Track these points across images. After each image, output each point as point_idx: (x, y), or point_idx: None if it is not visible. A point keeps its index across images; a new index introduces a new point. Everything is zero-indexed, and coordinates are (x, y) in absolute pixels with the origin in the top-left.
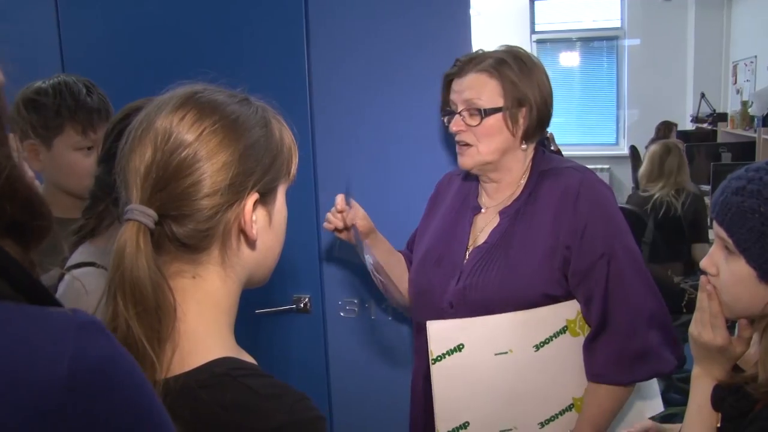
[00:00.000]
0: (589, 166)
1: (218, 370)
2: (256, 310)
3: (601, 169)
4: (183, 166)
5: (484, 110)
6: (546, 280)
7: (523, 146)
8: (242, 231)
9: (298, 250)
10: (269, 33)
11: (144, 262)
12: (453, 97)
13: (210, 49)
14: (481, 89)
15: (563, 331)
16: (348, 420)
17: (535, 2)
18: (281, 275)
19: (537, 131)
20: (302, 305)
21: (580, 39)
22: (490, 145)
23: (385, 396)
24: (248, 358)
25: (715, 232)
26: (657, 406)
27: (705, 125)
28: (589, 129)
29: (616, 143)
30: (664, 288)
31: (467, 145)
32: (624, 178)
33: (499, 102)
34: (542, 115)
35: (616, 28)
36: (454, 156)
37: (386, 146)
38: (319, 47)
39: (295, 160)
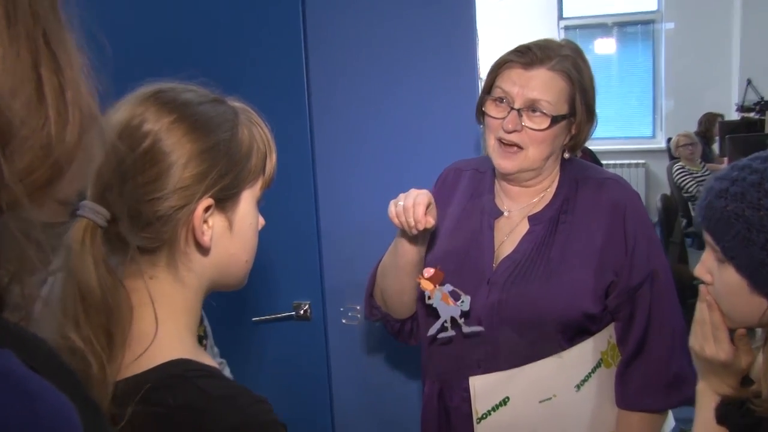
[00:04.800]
0: (623, 162)
1: (172, 371)
2: (253, 317)
3: (636, 165)
4: (133, 165)
5: (553, 117)
6: (591, 298)
7: (566, 155)
8: (194, 237)
9: (297, 253)
10: (265, 30)
11: (90, 262)
12: (511, 89)
13: (205, 54)
14: (552, 92)
15: (599, 364)
16: None
17: None
18: (280, 280)
19: (585, 141)
20: (302, 312)
21: (612, 24)
22: (542, 151)
23: (391, 410)
24: (208, 361)
25: (704, 238)
26: (669, 421)
27: (752, 114)
28: (622, 122)
29: (653, 136)
30: None
31: (516, 147)
32: (661, 173)
33: (565, 108)
34: (594, 125)
35: (652, 11)
36: (458, 155)
37: (388, 147)
38: (318, 44)
39: (270, 164)
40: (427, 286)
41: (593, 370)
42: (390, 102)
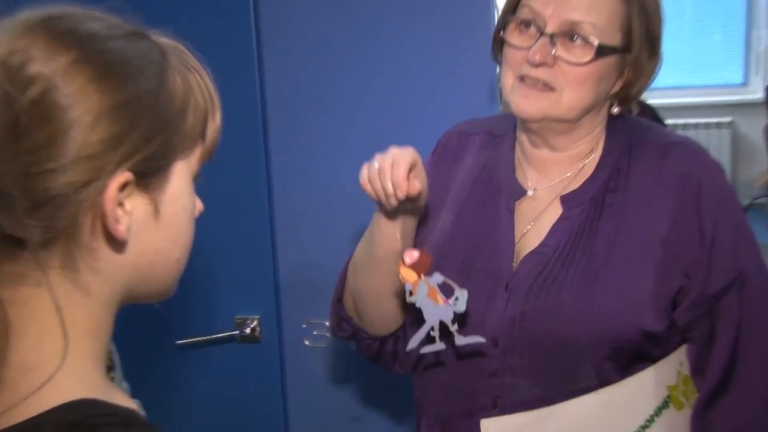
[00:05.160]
0: (699, 121)
1: (71, 417)
2: (177, 339)
3: (719, 125)
4: (13, 124)
5: (600, 46)
6: (651, 310)
7: (615, 109)
8: (104, 225)
9: (242, 252)
10: None
11: None
12: (543, 8)
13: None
14: (600, 12)
15: (665, 404)
16: None
17: None
18: (217, 288)
19: (644, 90)
20: (248, 331)
21: None
22: (582, 96)
23: None
24: (124, 402)
25: None
26: None
27: None
28: (699, 64)
29: (745, 83)
30: None
31: (547, 87)
32: (755, 136)
33: (617, 38)
34: (658, 66)
35: None
36: (464, 114)
37: (367, 100)
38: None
39: (213, 126)
40: (408, 276)
41: (657, 413)
42: (369, 38)
